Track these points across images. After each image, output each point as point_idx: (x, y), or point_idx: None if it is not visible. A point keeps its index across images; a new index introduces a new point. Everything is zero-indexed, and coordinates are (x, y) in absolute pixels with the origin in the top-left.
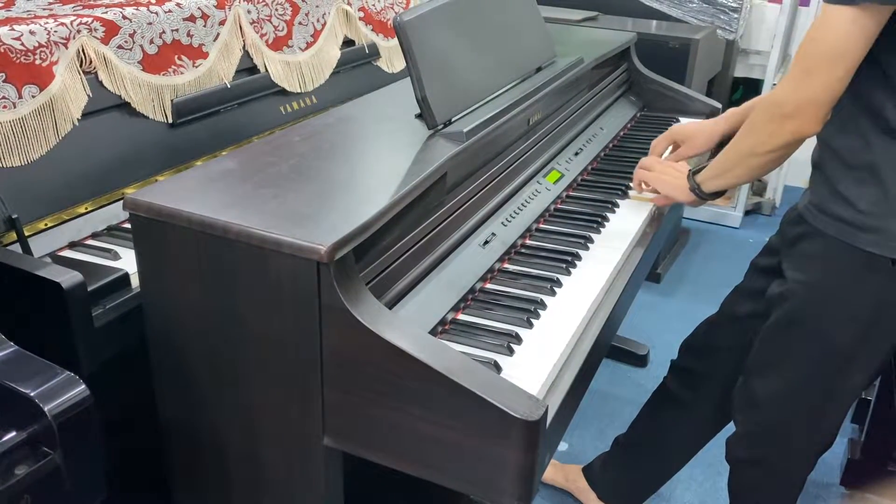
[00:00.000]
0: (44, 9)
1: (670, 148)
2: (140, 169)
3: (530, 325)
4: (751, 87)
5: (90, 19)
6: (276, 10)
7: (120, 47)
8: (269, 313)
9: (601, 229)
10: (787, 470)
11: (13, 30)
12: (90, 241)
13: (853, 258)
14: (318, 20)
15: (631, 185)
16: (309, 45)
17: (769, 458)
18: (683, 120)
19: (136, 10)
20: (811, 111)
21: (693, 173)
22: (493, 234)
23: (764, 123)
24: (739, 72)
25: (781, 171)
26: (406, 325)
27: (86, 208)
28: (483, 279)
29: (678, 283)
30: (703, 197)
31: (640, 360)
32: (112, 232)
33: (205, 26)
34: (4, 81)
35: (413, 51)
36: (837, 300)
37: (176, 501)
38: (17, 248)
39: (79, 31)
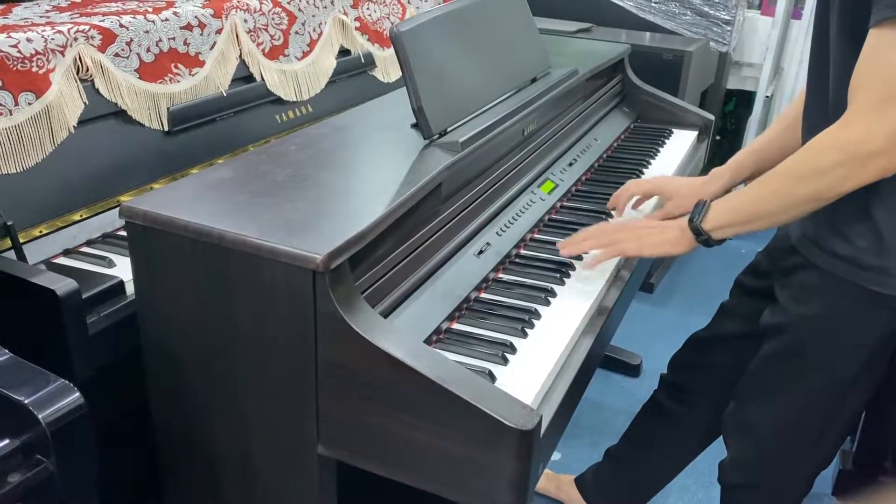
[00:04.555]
0: (41, 16)
1: (634, 200)
2: (136, 177)
3: (524, 335)
4: (743, 99)
5: (87, 27)
6: (273, 19)
7: (117, 55)
8: (265, 322)
9: None
10: (783, 492)
11: (10, 37)
12: (85, 249)
13: (856, 295)
14: (314, 30)
15: (579, 254)
16: (305, 54)
17: (765, 483)
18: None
19: (134, 18)
20: None
21: (696, 220)
22: (488, 244)
23: (835, 166)
24: (732, 84)
25: None
26: (401, 334)
27: (81, 215)
28: (478, 289)
29: (671, 293)
30: (710, 245)
31: (632, 370)
32: (107, 239)
33: (201, 35)
34: (1, 88)
35: (409, 61)
36: (842, 334)
37: None
38: (11, 255)
39: (76, 39)
